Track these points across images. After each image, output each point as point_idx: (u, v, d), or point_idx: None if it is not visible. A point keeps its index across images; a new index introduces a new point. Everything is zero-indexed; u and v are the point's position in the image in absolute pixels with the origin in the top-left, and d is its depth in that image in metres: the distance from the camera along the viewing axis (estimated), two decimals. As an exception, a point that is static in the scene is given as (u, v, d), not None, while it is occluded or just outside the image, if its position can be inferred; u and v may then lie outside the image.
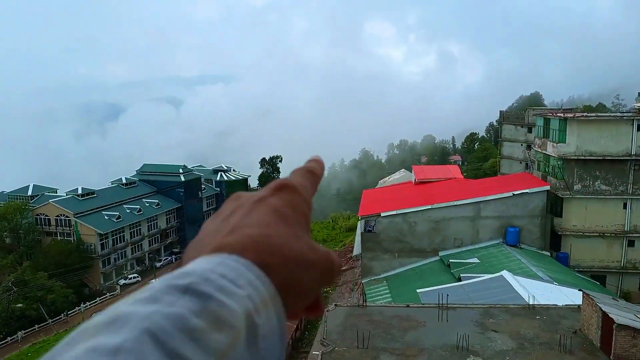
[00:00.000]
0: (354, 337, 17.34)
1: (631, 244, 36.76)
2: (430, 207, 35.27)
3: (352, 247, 56.96)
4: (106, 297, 75.73)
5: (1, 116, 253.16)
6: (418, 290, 26.80)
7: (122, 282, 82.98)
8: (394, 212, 35.23)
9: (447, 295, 20.89)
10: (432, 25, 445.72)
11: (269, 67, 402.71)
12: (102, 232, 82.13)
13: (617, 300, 19.79)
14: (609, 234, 36.63)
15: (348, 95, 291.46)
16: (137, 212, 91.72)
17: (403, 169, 64.87)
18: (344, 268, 54.38)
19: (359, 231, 38.13)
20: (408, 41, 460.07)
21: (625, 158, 35.38)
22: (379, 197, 42.49)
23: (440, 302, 20.52)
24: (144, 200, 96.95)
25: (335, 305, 20.09)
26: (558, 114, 39.40)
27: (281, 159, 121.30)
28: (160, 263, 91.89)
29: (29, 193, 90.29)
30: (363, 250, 35.72)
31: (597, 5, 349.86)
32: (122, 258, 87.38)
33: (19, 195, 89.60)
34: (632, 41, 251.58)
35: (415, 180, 44.14)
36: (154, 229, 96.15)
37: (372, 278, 35.23)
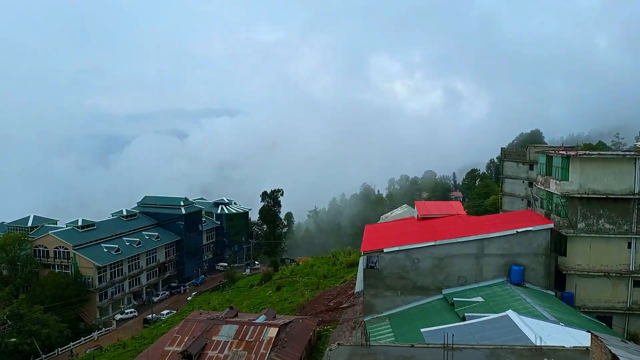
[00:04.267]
0: (358, 378, 16.83)
1: (637, 284, 36.11)
2: (433, 244, 34.90)
3: (354, 283, 56.13)
4: (102, 332, 74.31)
5: (5, 145, 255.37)
6: (422, 330, 26.19)
7: (118, 316, 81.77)
8: (396, 248, 34.86)
9: (453, 335, 20.37)
10: (437, 63, 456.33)
11: (275, 101, 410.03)
12: (100, 265, 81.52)
13: (627, 343, 19.26)
14: (614, 274, 36.08)
15: (351, 130, 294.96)
16: (137, 244, 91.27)
17: (405, 204, 64.75)
18: (344, 306, 53.49)
19: (361, 267, 37.65)
20: (413, 78, 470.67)
21: (628, 197, 35.23)
22: (381, 233, 42.16)
23: (446, 342, 19.99)
24: (143, 232, 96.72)
25: (339, 344, 19.60)
26: (560, 152, 39.53)
27: (282, 192, 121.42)
28: (158, 297, 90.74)
29: (29, 224, 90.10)
30: (365, 287, 35.13)
31: (599, 46, 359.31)
32: (119, 292, 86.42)
33: (19, 227, 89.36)
34: (633, 82, 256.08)
35: (418, 215, 43.92)
36: (153, 262, 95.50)
37: (375, 316, 34.52)
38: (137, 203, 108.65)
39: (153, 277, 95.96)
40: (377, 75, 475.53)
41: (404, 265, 34.97)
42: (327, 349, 20.09)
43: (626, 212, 35.61)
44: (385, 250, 34.82)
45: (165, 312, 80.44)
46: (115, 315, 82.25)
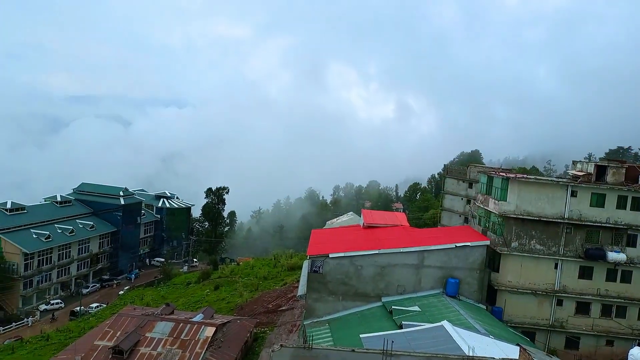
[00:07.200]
0: (300, 380, 17.04)
1: (560, 303, 38.82)
2: (377, 252, 35.82)
3: (294, 286, 56.35)
4: (23, 322, 70.11)
5: None
6: (361, 336, 26.84)
7: (42, 307, 77.53)
8: (342, 254, 35.48)
9: (392, 342, 21.05)
10: (391, 76, 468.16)
11: (227, 97, 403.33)
12: (28, 252, 77.08)
13: (551, 357, 20.73)
14: (540, 292, 38.55)
15: (302, 133, 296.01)
16: (69, 233, 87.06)
17: (351, 212, 65.84)
18: (283, 308, 53.52)
19: (305, 271, 37.95)
20: (367, 88, 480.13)
21: (558, 221, 37.81)
22: (327, 238, 42.70)
23: (385, 348, 20.62)
24: (77, 220, 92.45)
25: (281, 345, 19.75)
26: (500, 173, 41.72)
27: (228, 190, 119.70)
28: (87, 290, 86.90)
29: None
30: (308, 291, 35.45)
31: (540, 77, 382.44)
32: (46, 281, 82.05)
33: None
34: (565, 113, 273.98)
35: (363, 223, 44.83)
36: (85, 252, 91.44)
37: (315, 320, 34.90)
38: (73, 189, 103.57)
39: (84, 267, 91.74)
40: (333, 81, 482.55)
41: (348, 272, 35.64)
42: (270, 350, 20.19)
43: (555, 235, 38.16)
44: (330, 255, 35.34)
45: (94, 305, 77.07)
46: (40, 306, 77.87)
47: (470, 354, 22.31)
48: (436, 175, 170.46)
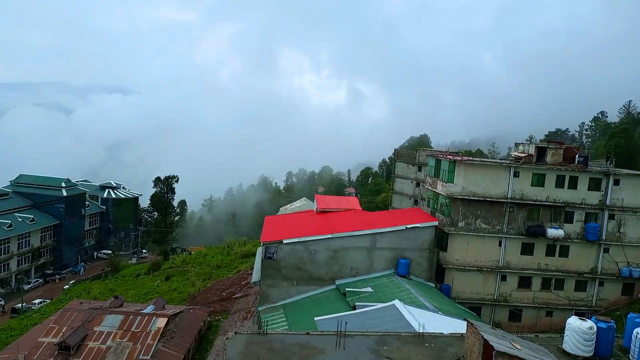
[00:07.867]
0: (254, 365, 17.03)
1: (504, 278, 40.71)
2: (330, 236, 36.15)
3: (248, 274, 56.07)
4: (-40, 322, 66.12)
5: None
6: (316, 318, 27.12)
7: (-20, 306, 73.27)
8: (295, 240, 35.56)
9: (346, 323, 21.40)
10: (342, 62, 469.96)
11: (175, 83, 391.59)
12: (-39, 248, 72.43)
13: (496, 329, 21.69)
14: (485, 269, 40.25)
15: (252, 120, 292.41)
16: (7, 227, 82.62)
17: (305, 198, 65.93)
18: (237, 296, 53.22)
19: (258, 257, 37.80)
20: (318, 74, 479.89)
21: (502, 200, 39.46)
22: (281, 224, 42.64)
23: (339, 329, 20.94)
24: (16, 214, 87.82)
25: (236, 332, 19.62)
26: (448, 157, 42.91)
27: (177, 179, 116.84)
28: (29, 285, 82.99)
29: None
30: (262, 278, 35.39)
31: (485, 63, 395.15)
32: (-17, 278, 77.48)
33: None
34: (508, 98, 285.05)
35: (317, 209, 45.06)
36: (26, 247, 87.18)
37: (269, 306, 34.92)
38: (10, 182, 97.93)
39: (25, 263, 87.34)
40: (285, 67, 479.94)
41: (302, 257, 35.80)
42: (224, 337, 20.02)
43: (499, 214, 39.81)
44: (284, 241, 35.34)
45: (37, 301, 73.67)
46: (-23, 305, 73.64)
47: (421, 331, 23.05)
48: (387, 160, 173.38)
